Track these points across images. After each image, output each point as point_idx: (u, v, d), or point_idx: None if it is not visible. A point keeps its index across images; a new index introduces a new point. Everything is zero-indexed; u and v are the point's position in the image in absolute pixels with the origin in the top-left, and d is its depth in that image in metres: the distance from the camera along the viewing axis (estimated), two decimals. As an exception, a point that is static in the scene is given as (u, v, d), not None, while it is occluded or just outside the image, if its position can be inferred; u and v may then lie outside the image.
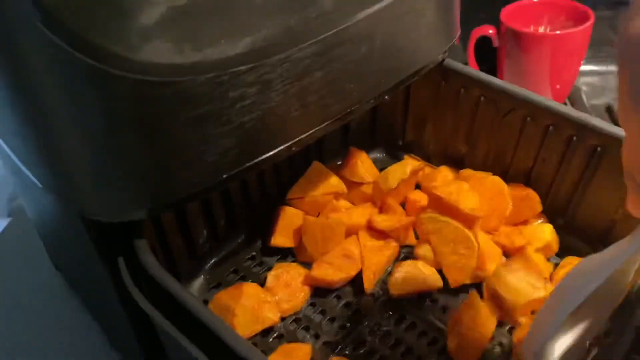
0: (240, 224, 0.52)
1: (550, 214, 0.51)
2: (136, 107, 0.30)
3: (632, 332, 0.37)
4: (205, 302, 0.47)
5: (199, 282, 0.49)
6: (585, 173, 0.47)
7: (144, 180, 0.33)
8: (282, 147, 0.37)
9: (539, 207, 0.49)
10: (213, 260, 0.50)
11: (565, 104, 0.71)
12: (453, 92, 0.52)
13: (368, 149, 0.60)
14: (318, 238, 0.47)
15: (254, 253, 0.52)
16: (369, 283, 0.47)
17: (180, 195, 0.34)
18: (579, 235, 0.49)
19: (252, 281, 0.48)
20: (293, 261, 0.50)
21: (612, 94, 0.70)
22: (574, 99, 0.70)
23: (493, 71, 0.72)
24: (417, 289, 0.46)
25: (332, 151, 0.58)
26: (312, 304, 0.47)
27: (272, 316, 0.44)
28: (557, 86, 0.67)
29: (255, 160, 0.36)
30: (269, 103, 0.35)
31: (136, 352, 0.41)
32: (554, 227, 0.50)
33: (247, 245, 0.53)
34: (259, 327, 0.44)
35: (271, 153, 0.37)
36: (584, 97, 0.70)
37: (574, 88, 0.70)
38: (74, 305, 0.53)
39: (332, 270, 0.46)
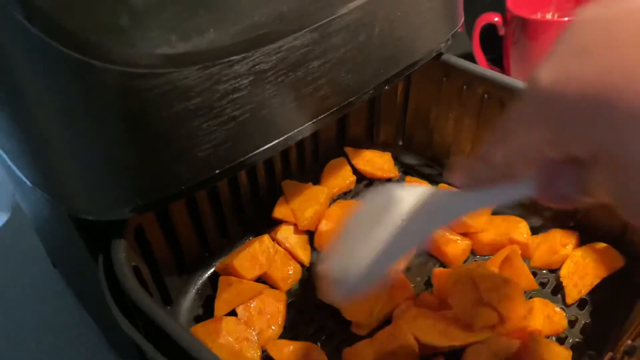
0: (233, 235, 0.50)
1: (560, 216, 0.50)
2: (121, 100, 0.29)
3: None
4: (197, 318, 0.45)
5: (189, 299, 0.46)
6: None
7: (132, 177, 0.32)
8: (276, 141, 0.36)
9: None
10: (205, 274, 0.48)
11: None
12: (455, 90, 0.51)
13: (366, 149, 0.58)
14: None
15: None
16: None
17: (170, 191, 0.33)
18: (589, 237, 0.47)
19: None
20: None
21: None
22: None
23: (499, 60, 0.70)
24: None
25: (327, 150, 0.56)
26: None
27: (252, 355, 0.41)
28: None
29: (249, 155, 0.35)
30: (262, 95, 0.34)
31: (133, 353, 0.40)
32: (565, 229, 0.48)
33: None
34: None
35: (265, 147, 0.36)
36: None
37: (583, 77, 0.68)
38: (72, 303, 0.53)
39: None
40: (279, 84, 0.34)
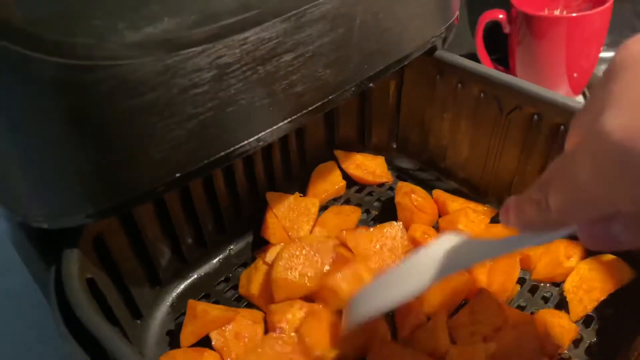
0: (211, 244, 0.47)
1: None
2: (62, 96, 0.27)
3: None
4: (169, 333, 0.42)
5: (162, 312, 0.43)
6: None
7: (82, 181, 0.30)
8: (245, 142, 0.33)
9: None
10: (181, 286, 0.45)
11: (583, 94, 0.66)
12: (450, 88, 0.48)
13: (357, 152, 0.55)
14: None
15: (229, 274, 0.47)
16: None
17: (126, 197, 0.31)
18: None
19: (222, 303, 0.44)
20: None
21: (635, 82, 0.64)
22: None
23: (504, 60, 0.67)
24: None
25: (315, 154, 0.53)
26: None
27: None
28: (575, 75, 0.62)
29: (214, 157, 0.32)
30: (227, 91, 0.31)
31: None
32: (569, 240, 0.45)
33: (220, 265, 0.47)
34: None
35: (232, 149, 0.32)
36: (604, 86, 0.64)
37: (593, 77, 0.65)
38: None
39: None
40: (246, 80, 0.32)
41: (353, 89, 0.38)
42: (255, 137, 0.34)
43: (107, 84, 0.27)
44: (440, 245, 0.33)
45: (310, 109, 0.36)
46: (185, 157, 0.31)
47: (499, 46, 0.66)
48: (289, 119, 0.35)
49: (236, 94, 0.31)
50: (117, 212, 0.32)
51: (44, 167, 0.29)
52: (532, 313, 0.41)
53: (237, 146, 0.33)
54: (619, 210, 0.22)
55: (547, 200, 0.24)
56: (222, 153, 0.33)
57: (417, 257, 0.34)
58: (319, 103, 0.36)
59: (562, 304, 0.42)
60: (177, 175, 0.31)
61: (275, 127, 0.34)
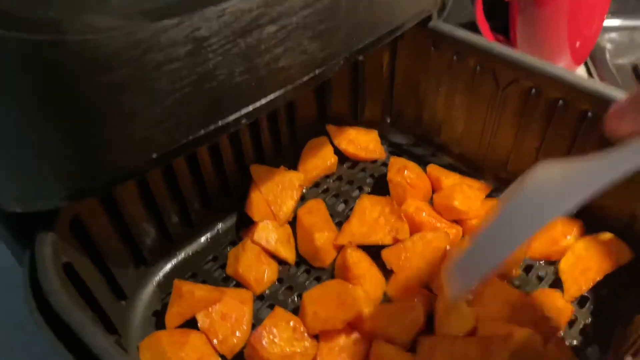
0: (197, 222, 0.46)
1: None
2: (31, 74, 0.25)
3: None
4: (156, 313, 0.41)
5: (148, 293, 0.42)
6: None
7: (54, 163, 0.28)
8: (227, 121, 0.32)
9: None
10: (168, 265, 0.44)
11: (586, 64, 0.64)
12: (445, 61, 0.46)
13: (350, 127, 0.53)
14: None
15: (217, 253, 0.46)
16: None
17: (102, 178, 0.30)
18: (594, 227, 0.43)
19: (209, 283, 0.43)
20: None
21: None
22: (596, 59, 0.63)
23: (506, 28, 0.64)
24: None
25: (306, 129, 0.51)
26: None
27: None
28: (577, 44, 0.60)
29: (193, 137, 0.31)
30: (205, 66, 0.30)
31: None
32: (567, 217, 0.44)
33: (208, 244, 0.46)
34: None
35: (212, 127, 0.31)
36: (607, 56, 0.63)
37: (597, 46, 0.63)
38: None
39: None
40: (225, 54, 0.30)
41: (342, 62, 0.36)
42: (238, 114, 0.32)
43: (75, 60, 0.25)
44: (541, 178, 0.27)
45: (296, 84, 0.34)
46: (164, 136, 0.30)
47: (500, 14, 0.64)
48: (274, 95, 0.33)
49: (215, 69, 0.30)
50: (94, 194, 0.31)
51: (13, 148, 0.28)
52: (527, 293, 0.40)
53: (218, 124, 0.31)
54: None
55: None
56: (202, 132, 0.31)
57: (517, 199, 0.28)
58: (306, 78, 0.35)
59: (557, 284, 0.41)
60: (154, 156, 0.30)
61: (258, 103, 0.33)
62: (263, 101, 0.33)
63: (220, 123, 0.31)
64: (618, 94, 0.38)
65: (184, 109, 0.30)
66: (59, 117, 0.27)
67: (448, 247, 0.42)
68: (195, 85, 0.30)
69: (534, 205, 0.27)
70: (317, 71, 0.35)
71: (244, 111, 0.32)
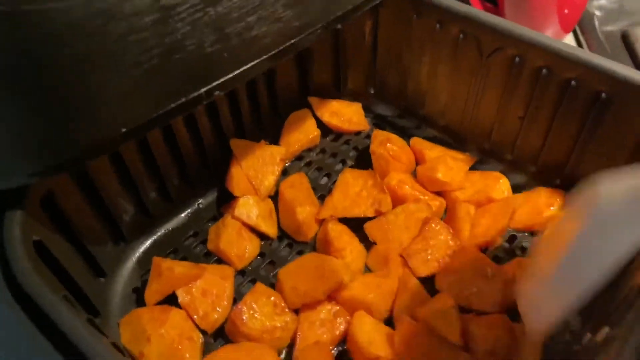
0: (176, 197, 0.45)
1: (544, 173, 0.45)
2: None
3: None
4: (136, 290, 0.41)
5: (128, 269, 0.42)
6: (587, 124, 0.40)
7: (18, 139, 0.28)
8: (198, 92, 0.31)
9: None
10: (147, 241, 0.44)
11: (575, 32, 0.63)
12: (427, 29, 0.45)
13: (332, 99, 0.52)
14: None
15: (197, 229, 0.45)
16: None
17: (69, 155, 0.29)
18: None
19: (190, 259, 0.43)
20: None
21: (629, 19, 0.61)
22: (585, 26, 0.62)
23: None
24: None
25: (288, 101, 0.50)
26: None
27: (189, 358, 0.37)
28: (565, 11, 0.59)
29: (164, 110, 0.30)
30: (173, 36, 0.28)
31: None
32: (550, 188, 0.44)
33: (188, 220, 0.46)
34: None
35: (183, 100, 0.30)
36: (596, 22, 0.61)
37: (585, 13, 0.62)
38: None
39: None
40: (194, 23, 0.29)
41: (319, 31, 0.35)
42: (209, 86, 0.31)
43: (34, 32, 0.24)
44: (612, 197, 0.26)
45: (271, 53, 0.33)
46: (133, 109, 0.29)
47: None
48: (248, 65, 0.32)
49: (184, 39, 0.29)
50: (63, 169, 0.30)
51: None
52: (507, 262, 0.40)
53: (189, 96, 0.30)
54: None
55: None
56: (173, 104, 0.30)
57: (592, 225, 0.27)
58: (281, 47, 0.34)
59: (540, 255, 0.41)
60: (123, 130, 0.29)
61: (231, 74, 0.32)
62: (236, 72, 0.32)
63: (191, 95, 0.30)
64: (601, 62, 0.37)
65: (152, 81, 0.29)
66: (22, 91, 0.26)
67: (431, 219, 0.42)
68: (164, 57, 0.28)
69: (613, 230, 0.26)
70: (293, 40, 0.34)
71: (216, 82, 0.31)
